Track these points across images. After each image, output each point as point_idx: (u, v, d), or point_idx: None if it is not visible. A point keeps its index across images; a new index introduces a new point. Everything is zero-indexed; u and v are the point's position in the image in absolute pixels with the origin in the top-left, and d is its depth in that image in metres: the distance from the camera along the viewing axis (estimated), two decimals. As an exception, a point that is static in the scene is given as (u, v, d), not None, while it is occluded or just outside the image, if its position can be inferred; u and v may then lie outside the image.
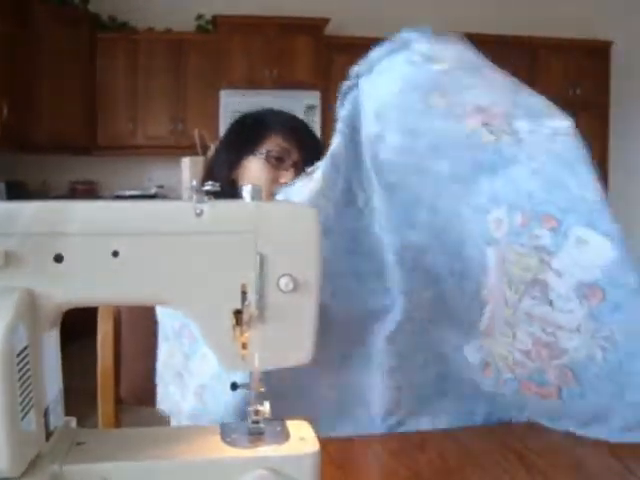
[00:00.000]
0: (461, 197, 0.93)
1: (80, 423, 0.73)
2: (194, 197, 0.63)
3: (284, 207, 0.67)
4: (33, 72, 5.28)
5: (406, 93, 0.99)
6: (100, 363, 1.36)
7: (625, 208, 5.97)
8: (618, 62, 6.10)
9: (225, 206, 0.65)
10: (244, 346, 0.65)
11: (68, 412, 0.73)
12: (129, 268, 0.63)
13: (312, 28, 5.90)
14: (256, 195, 0.65)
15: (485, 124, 0.93)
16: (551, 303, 0.88)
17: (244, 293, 0.64)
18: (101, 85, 5.76)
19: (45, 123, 5.37)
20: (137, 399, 1.37)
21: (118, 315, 1.38)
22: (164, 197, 5.65)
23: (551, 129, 0.93)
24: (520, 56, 6.00)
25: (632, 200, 5.90)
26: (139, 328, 1.31)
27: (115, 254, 0.62)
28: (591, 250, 0.87)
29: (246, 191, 0.65)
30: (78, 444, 0.66)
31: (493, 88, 1.00)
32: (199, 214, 0.63)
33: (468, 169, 0.93)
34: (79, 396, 2.35)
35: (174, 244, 0.63)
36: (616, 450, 0.93)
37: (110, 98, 5.78)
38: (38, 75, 5.32)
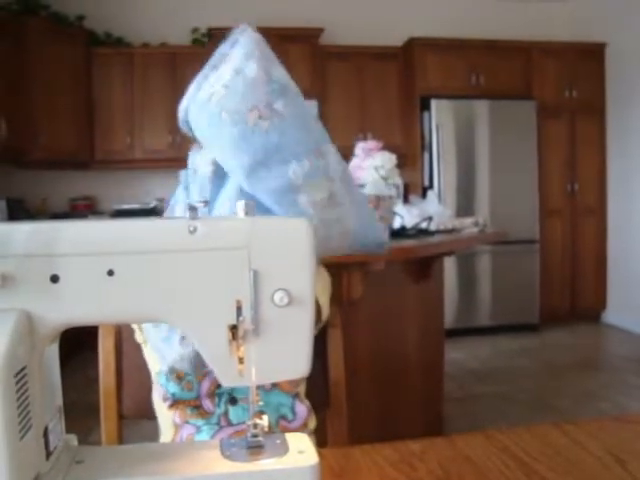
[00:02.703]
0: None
1: (83, 437, 0.73)
2: (187, 214, 0.64)
3: (277, 222, 0.68)
4: (30, 88, 5.30)
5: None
6: (102, 381, 1.37)
7: (623, 209, 5.98)
8: (613, 63, 6.11)
9: (218, 222, 0.66)
10: (241, 361, 0.65)
11: (70, 425, 0.74)
12: (125, 286, 0.63)
13: (307, 38, 5.92)
14: (249, 210, 0.65)
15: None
16: None
17: (239, 308, 0.64)
18: (98, 100, 5.77)
19: (43, 139, 5.38)
20: (139, 413, 1.37)
21: (119, 331, 1.38)
22: (163, 210, 5.65)
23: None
24: (515, 59, 6.02)
25: (630, 201, 5.91)
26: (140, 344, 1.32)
27: (110, 273, 0.63)
28: None
29: (239, 207, 0.65)
30: (77, 462, 0.67)
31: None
32: (192, 231, 0.63)
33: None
34: (81, 410, 2.36)
35: (169, 262, 0.64)
36: (618, 453, 0.93)
37: (107, 113, 5.79)
38: (35, 91, 5.34)
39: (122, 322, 0.61)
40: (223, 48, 1.25)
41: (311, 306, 0.66)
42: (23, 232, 0.62)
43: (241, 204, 0.65)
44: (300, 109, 1.22)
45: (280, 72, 1.23)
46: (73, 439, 0.73)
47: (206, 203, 0.65)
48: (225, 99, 1.16)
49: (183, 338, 1.07)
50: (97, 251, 0.63)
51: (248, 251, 0.64)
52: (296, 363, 0.68)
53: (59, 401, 0.70)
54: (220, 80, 1.19)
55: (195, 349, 1.06)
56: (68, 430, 0.73)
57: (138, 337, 1.23)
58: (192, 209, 0.63)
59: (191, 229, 0.63)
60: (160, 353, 1.14)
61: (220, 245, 0.64)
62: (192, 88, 1.26)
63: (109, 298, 0.64)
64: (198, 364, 1.08)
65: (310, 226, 0.66)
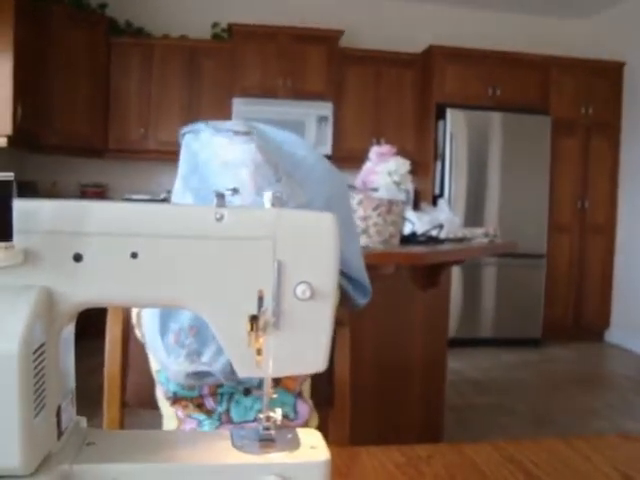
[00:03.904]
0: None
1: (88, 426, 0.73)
2: (214, 201, 0.63)
3: (303, 214, 0.67)
4: (48, 74, 5.32)
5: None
6: (107, 367, 1.36)
7: (632, 229, 5.96)
8: (630, 82, 6.10)
9: (245, 212, 0.65)
10: (259, 352, 0.65)
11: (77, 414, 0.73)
12: (147, 270, 0.63)
13: (326, 39, 5.92)
14: (276, 202, 0.65)
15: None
16: None
17: (261, 299, 0.64)
18: (115, 89, 5.79)
19: (57, 125, 5.40)
20: (142, 402, 1.37)
21: (127, 318, 1.38)
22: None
23: None
24: (533, 73, 6.02)
25: (639, 221, 5.90)
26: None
27: (134, 255, 0.63)
28: None
29: (266, 197, 0.65)
30: (88, 444, 0.66)
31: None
32: (219, 219, 0.63)
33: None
34: (80, 398, 2.36)
35: (193, 247, 0.63)
36: (625, 470, 0.93)
37: (123, 102, 5.80)
38: (53, 77, 5.36)
39: (142, 305, 0.61)
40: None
41: (332, 301, 0.66)
42: (49, 209, 0.62)
43: (268, 195, 0.65)
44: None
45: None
46: (83, 421, 0.72)
47: (235, 191, 0.64)
48: None
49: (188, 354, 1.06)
50: (122, 232, 0.63)
51: (273, 242, 0.64)
52: (313, 357, 0.67)
53: (72, 382, 0.70)
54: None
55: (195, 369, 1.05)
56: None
57: (137, 332, 1.22)
58: (219, 196, 0.63)
59: (218, 217, 0.63)
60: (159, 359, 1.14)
61: (246, 234, 0.64)
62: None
63: (131, 280, 0.63)
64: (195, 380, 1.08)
65: (335, 221, 0.66)
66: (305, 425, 1.22)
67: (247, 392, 1.16)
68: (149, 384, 1.29)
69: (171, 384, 1.16)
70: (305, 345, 0.67)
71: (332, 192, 1.25)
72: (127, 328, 1.38)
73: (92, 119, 5.67)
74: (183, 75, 5.82)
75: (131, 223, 0.63)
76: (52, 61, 5.34)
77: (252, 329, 0.63)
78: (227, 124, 1.17)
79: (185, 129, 1.21)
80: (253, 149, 1.12)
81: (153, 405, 1.29)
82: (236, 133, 1.14)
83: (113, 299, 0.65)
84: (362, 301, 1.33)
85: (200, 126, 1.18)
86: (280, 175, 1.11)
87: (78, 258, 0.62)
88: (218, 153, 1.13)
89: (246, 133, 1.14)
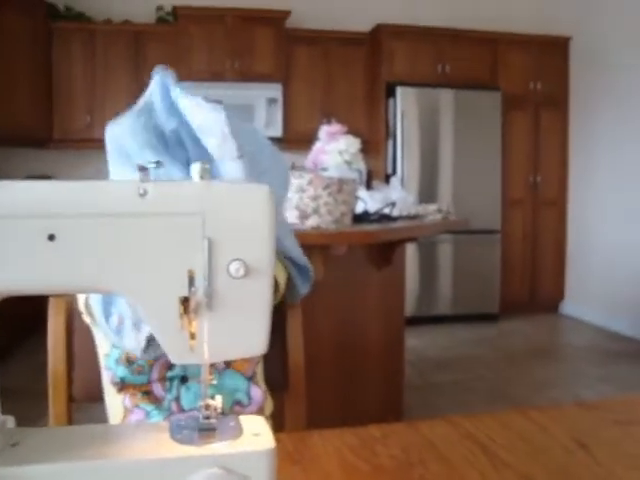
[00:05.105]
0: None
1: (31, 422, 0.68)
2: (138, 175, 0.58)
3: (234, 187, 0.63)
4: (-14, 62, 5.14)
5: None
6: (51, 361, 1.30)
7: (583, 202, 6.05)
8: (577, 57, 6.16)
9: (171, 186, 0.61)
10: (192, 336, 0.60)
11: (19, 411, 0.68)
12: (67, 253, 0.58)
13: (273, 20, 5.84)
14: (205, 174, 0.60)
15: None
16: None
17: (191, 279, 0.59)
18: (58, 76, 5.62)
19: (-1, 115, 5.23)
20: (90, 396, 1.31)
21: (71, 308, 1.32)
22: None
23: None
24: (481, 49, 6.03)
25: (590, 194, 5.98)
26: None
27: (51, 237, 0.57)
28: None
29: (194, 170, 0.60)
30: (13, 445, 0.61)
31: None
32: (142, 194, 0.58)
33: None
34: (31, 395, 2.28)
35: (116, 226, 0.58)
36: (581, 439, 0.91)
37: (67, 90, 5.64)
38: (-9, 65, 5.17)
39: (64, 292, 0.55)
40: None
41: (269, 279, 0.61)
42: (-46, 190, 0.56)
43: (196, 167, 0.60)
44: None
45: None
46: (10, 421, 0.67)
47: (158, 164, 0.59)
48: None
49: (134, 324, 1.02)
50: (37, 213, 0.57)
51: (203, 217, 0.59)
52: (252, 340, 0.63)
53: (-6, 378, 0.65)
54: None
55: (149, 334, 1.01)
56: (17, 417, 0.67)
57: (85, 318, 1.17)
58: (142, 170, 0.58)
59: (141, 192, 0.58)
60: (112, 341, 1.09)
61: (172, 210, 0.59)
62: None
63: (50, 265, 0.58)
64: (152, 349, 1.03)
65: (270, 193, 0.61)
66: (260, 411, 1.18)
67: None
68: (96, 377, 1.24)
69: (119, 369, 1.11)
70: (242, 327, 0.62)
71: (278, 180, 1.21)
72: (70, 319, 1.32)
73: (35, 108, 5.49)
74: (128, 60, 5.68)
75: (46, 202, 0.58)
76: (-10, 49, 5.16)
77: (184, 312, 0.59)
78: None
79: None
80: (223, 118, 1.07)
81: (102, 398, 1.24)
82: (206, 99, 1.09)
83: (31, 286, 0.60)
84: (304, 290, 1.29)
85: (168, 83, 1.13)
86: (241, 153, 1.06)
87: (-11, 243, 0.57)
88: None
89: (217, 101, 1.09)
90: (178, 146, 1.09)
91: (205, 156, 1.06)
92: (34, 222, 0.57)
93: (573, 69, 6.22)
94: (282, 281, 1.22)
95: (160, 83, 1.14)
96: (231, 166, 1.06)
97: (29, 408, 2.01)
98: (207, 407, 0.64)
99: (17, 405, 0.67)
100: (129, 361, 1.10)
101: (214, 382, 0.65)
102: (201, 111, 1.08)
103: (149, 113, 1.11)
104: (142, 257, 0.59)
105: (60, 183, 0.59)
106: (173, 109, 1.11)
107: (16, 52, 5.32)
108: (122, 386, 1.12)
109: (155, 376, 1.12)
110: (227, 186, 0.62)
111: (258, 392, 1.18)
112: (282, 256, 1.22)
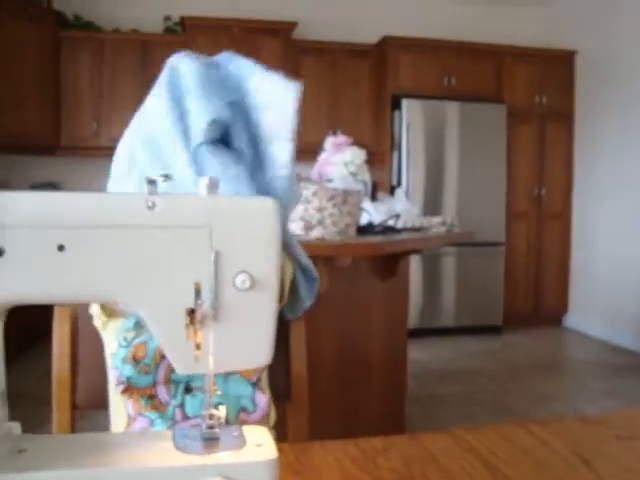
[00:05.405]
0: None
1: (35, 429, 0.69)
2: (146, 188, 0.59)
3: (241, 201, 0.64)
4: (-5, 70, 5.17)
5: None
6: (55, 368, 1.31)
7: (587, 215, 6.04)
8: (582, 71, 6.18)
9: (179, 199, 0.62)
10: (198, 347, 0.61)
11: (23, 417, 0.69)
12: (76, 263, 0.59)
13: (280, 31, 5.87)
14: (212, 188, 0.61)
15: None
16: None
17: (198, 291, 0.60)
18: (65, 85, 5.65)
19: (7, 122, 5.25)
20: (94, 403, 1.32)
21: (76, 316, 1.33)
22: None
23: None
24: (487, 62, 6.05)
25: (594, 207, 5.98)
26: (97, 332, 1.26)
27: (61, 248, 0.58)
28: None
29: (202, 183, 0.61)
30: (20, 451, 0.62)
31: None
32: (151, 207, 0.59)
33: None
34: (35, 401, 2.29)
35: (124, 238, 0.59)
36: (583, 454, 0.91)
37: (74, 98, 5.67)
38: (0, 72, 5.20)
39: (72, 301, 0.56)
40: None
41: (275, 291, 0.62)
42: (-34, 201, 0.57)
43: (204, 180, 0.61)
44: None
45: None
46: (16, 427, 0.68)
47: (167, 177, 0.60)
48: None
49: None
50: (47, 224, 0.58)
51: (210, 230, 0.60)
52: (257, 351, 0.64)
53: (2, 384, 0.65)
54: None
55: None
56: (21, 423, 0.68)
57: (96, 322, 1.17)
58: (151, 183, 0.59)
59: (149, 204, 0.59)
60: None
61: (180, 223, 0.60)
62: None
63: (59, 275, 0.59)
64: None
65: (276, 206, 0.62)
66: (265, 418, 1.18)
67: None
68: (100, 384, 1.24)
69: (126, 367, 1.11)
70: (247, 338, 0.63)
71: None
72: (75, 326, 1.33)
73: (43, 116, 5.53)
74: (136, 69, 5.71)
75: (56, 213, 0.59)
76: (-1, 56, 5.20)
77: (190, 323, 0.60)
78: None
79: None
80: (293, 96, 1.10)
81: (105, 406, 1.24)
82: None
83: (40, 296, 0.61)
84: (308, 301, 1.29)
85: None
86: (294, 137, 1.09)
87: (0, 252, 0.58)
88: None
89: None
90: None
91: (252, 138, 1.07)
92: (44, 233, 0.58)
93: (579, 82, 6.23)
94: (288, 283, 1.22)
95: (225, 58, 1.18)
96: (281, 146, 1.07)
97: (32, 414, 2.02)
98: (211, 417, 0.65)
99: (20, 411, 0.68)
100: (136, 360, 1.11)
101: (218, 393, 0.66)
102: (273, 84, 1.09)
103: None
104: (150, 268, 0.60)
105: (70, 194, 0.60)
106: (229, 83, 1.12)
107: (25, 60, 5.37)
108: (127, 387, 1.12)
109: (161, 376, 1.12)
110: (234, 199, 0.63)
111: (263, 399, 1.18)
112: (292, 257, 1.23)
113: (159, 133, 1.08)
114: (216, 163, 1.02)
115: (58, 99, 5.63)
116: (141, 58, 5.72)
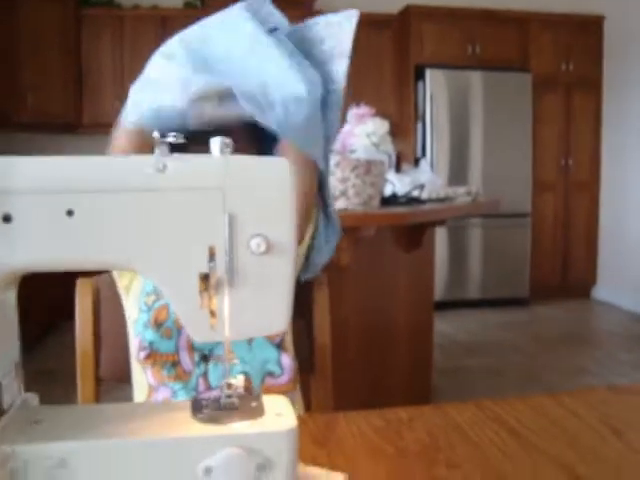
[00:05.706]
0: None
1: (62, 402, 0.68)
2: (157, 150, 0.57)
3: (254, 161, 0.61)
4: (17, 49, 5.19)
5: None
6: (79, 341, 1.31)
7: (616, 185, 5.94)
8: (610, 36, 6.03)
9: (190, 160, 0.59)
10: (213, 314, 0.59)
11: (50, 392, 0.68)
12: (85, 228, 0.57)
13: (301, 2, 5.80)
14: (225, 148, 0.59)
15: None
16: None
17: (212, 255, 0.58)
18: (87, 62, 5.65)
19: (30, 101, 5.28)
20: (117, 376, 1.32)
21: (97, 289, 1.32)
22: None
23: None
24: (512, 30, 5.93)
25: (622, 176, 5.87)
26: (118, 305, 1.26)
27: (70, 213, 0.57)
28: None
29: (214, 144, 0.59)
30: (36, 422, 0.61)
31: None
32: (162, 169, 0.57)
33: None
34: (63, 376, 2.31)
35: (135, 202, 0.57)
36: (615, 424, 0.89)
37: (96, 76, 5.67)
38: (23, 52, 5.22)
39: (83, 268, 0.55)
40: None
41: (292, 255, 0.60)
42: (-28, 166, 0.55)
43: (216, 140, 0.59)
44: None
45: None
46: (34, 398, 0.67)
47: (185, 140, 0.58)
48: None
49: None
50: (55, 189, 0.56)
51: (223, 192, 0.58)
52: (274, 317, 0.62)
53: (16, 356, 0.64)
54: None
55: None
56: (47, 399, 0.67)
57: (119, 285, 1.17)
58: (162, 144, 0.57)
59: (160, 167, 0.57)
60: None
61: (192, 185, 0.58)
62: None
63: (68, 241, 0.57)
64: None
65: (291, 167, 0.60)
66: (292, 380, 1.16)
67: None
68: (123, 357, 1.24)
69: (148, 332, 1.10)
70: (264, 303, 0.61)
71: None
72: (97, 299, 1.33)
73: (65, 94, 5.54)
74: (156, 45, 5.59)
75: (65, 178, 0.57)
76: (21, 35, 5.20)
77: (204, 289, 0.58)
78: None
79: None
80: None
81: (129, 379, 1.24)
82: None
83: (50, 262, 0.59)
84: (326, 254, 1.26)
85: None
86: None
87: (7, 219, 0.56)
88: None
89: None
90: None
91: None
92: (52, 198, 0.56)
93: (607, 49, 6.09)
94: (306, 243, 1.20)
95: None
96: (338, 63, 1.17)
97: (59, 390, 2.04)
98: (229, 386, 0.63)
99: (48, 387, 0.67)
100: (157, 324, 1.10)
101: (235, 361, 0.64)
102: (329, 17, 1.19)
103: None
104: (161, 233, 0.58)
105: (78, 158, 0.58)
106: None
107: (46, 39, 5.37)
108: (150, 352, 1.11)
109: (184, 342, 1.10)
110: (247, 161, 0.61)
111: (288, 360, 1.16)
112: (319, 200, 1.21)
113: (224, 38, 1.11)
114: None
115: (80, 77, 5.63)
116: (161, 33, 5.68)
